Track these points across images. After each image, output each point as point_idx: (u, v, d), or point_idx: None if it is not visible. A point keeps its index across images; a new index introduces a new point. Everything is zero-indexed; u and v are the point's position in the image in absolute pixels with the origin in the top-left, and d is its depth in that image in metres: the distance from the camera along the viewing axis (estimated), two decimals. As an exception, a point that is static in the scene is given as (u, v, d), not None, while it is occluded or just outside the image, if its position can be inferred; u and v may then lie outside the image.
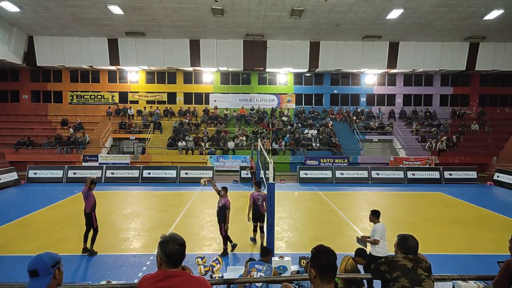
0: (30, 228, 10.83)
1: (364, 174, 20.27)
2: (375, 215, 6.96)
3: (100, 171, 19.84)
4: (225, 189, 9.02)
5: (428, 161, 21.86)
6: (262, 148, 16.18)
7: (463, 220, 12.27)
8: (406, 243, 3.15)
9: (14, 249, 9.00)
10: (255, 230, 9.48)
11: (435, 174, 20.38)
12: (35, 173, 19.57)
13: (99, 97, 26.93)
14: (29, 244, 9.37)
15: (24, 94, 26.65)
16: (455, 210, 13.69)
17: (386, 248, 6.71)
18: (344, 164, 21.56)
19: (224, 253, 8.70)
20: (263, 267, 5.46)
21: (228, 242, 8.94)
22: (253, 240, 9.65)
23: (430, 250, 8.37)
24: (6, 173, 18.14)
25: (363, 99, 27.71)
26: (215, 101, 27.11)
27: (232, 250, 8.92)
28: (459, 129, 25.18)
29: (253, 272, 5.47)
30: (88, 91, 26.83)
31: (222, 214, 8.74)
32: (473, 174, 20.38)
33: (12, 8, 18.55)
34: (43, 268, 2.27)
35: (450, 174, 20.36)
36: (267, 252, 6.33)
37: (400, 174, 20.38)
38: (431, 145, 23.03)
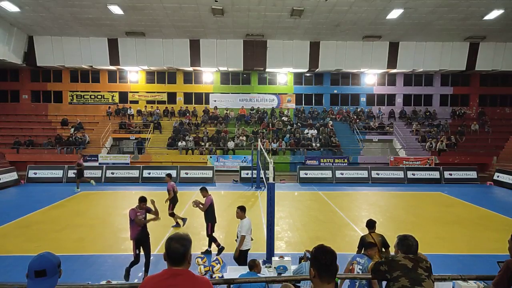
0: (30, 228, 10.84)
1: (364, 174, 20.26)
2: (243, 211, 7.38)
3: (100, 171, 19.85)
4: (203, 188, 9.09)
5: (428, 161, 21.85)
6: (262, 148, 16.17)
7: (463, 220, 12.27)
8: (406, 243, 3.17)
9: (13, 249, 9.01)
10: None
11: (435, 174, 20.38)
12: (35, 173, 19.56)
13: (99, 97, 26.92)
14: (29, 244, 9.37)
15: (24, 94, 26.63)
16: (455, 210, 13.69)
17: (250, 242, 7.32)
18: (344, 164, 21.56)
19: (207, 253, 8.61)
20: (362, 260, 5.40)
21: (214, 244, 8.78)
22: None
23: (430, 250, 8.35)
24: (6, 173, 18.13)
25: (363, 99, 27.69)
26: (215, 101, 27.09)
27: (218, 254, 8.31)
28: (459, 129, 25.16)
29: (354, 264, 5.41)
30: (88, 91, 26.81)
31: (208, 213, 8.79)
32: (473, 174, 20.37)
33: (12, 8, 18.54)
34: (52, 268, 2.26)
35: (450, 174, 20.36)
36: (372, 245, 5.76)
37: (400, 174, 20.38)
38: (431, 145, 23.02)
